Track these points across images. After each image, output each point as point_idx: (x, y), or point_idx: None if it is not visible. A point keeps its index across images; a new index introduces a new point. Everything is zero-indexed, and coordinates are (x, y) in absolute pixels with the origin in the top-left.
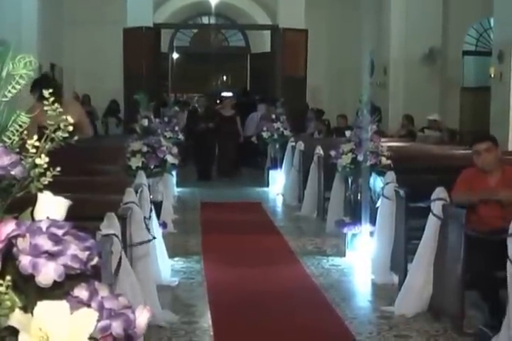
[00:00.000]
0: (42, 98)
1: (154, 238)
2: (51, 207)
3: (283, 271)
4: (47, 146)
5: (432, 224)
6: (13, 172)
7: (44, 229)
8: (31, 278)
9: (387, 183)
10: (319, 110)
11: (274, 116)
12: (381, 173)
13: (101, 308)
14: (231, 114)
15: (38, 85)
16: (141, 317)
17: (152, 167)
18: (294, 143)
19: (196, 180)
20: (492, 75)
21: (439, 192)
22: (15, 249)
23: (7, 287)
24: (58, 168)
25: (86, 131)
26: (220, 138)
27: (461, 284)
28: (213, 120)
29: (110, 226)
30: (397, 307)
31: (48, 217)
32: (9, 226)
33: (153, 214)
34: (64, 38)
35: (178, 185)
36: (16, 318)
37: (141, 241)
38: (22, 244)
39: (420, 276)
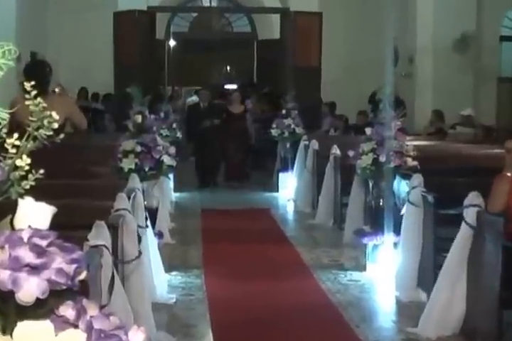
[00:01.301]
0: (38, 88)
1: (140, 253)
2: (33, 214)
3: (294, 287)
4: (29, 146)
5: (463, 234)
6: None
7: (25, 239)
8: (11, 294)
9: (413, 187)
10: (332, 103)
11: (284, 112)
12: (406, 176)
13: (90, 329)
14: (240, 111)
15: (33, 73)
16: (135, 339)
17: (147, 169)
18: (307, 142)
19: (198, 187)
20: None
21: (473, 197)
22: None
23: None
24: (41, 171)
25: (79, 125)
26: (227, 139)
27: (499, 302)
28: (219, 117)
29: (99, 236)
30: (421, 328)
31: (29, 226)
32: None
33: (148, 223)
34: (47, 23)
35: (176, 189)
36: None
37: (128, 260)
38: (0, 256)
39: (447, 293)
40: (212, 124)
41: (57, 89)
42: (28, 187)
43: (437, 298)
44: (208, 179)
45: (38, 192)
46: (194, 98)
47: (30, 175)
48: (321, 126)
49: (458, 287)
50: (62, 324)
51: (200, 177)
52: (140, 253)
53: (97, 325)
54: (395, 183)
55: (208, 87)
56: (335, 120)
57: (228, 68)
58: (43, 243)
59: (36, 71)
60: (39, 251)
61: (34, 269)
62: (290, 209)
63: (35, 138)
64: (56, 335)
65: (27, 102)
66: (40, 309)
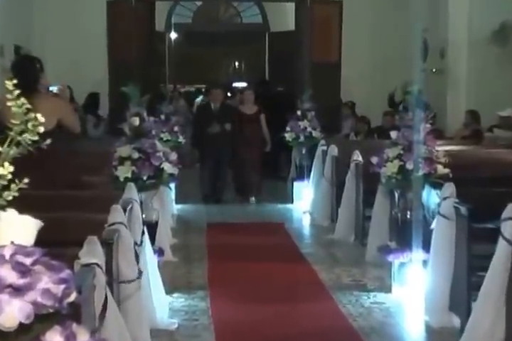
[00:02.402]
0: (28, 87)
1: (141, 273)
2: (17, 229)
3: (311, 311)
4: (11, 152)
5: (502, 251)
6: None
7: (7, 256)
8: None
9: (444, 198)
10: (353, 103)
11: (299, 113)
12: (437, 185)
13: None
14: (254, 112)
15: (22, 70)
16: None
17: (145, 178)
18: (325, 147)
19: (202, 201)
20: None
21: None
22: None
23: None
24: (26, 180)
25: (72, 129)
26: (239, 146)
27: None
28: (231, 120)
29: (92, 253)
30: None
31: (12, 242)
32: None
33: (147, 239)
34: (33, 12)
35: (178, 201)
36: None
37: (128, 280)
38: None
39: (488, 317)
40: (223, 129)
41: (55, 90)
42: (10, 198)
43: (478, 325)
44: (217, 195)
45: (22, 204)
46: (203, 97)
47: (13, 185)
48: (341, 130)
49: (500, 313)
50: None
51: (206, 193)
52: (141, 272)
53: None
54: (424, 193)
55: (214, 85)
56: (358, 122)
57: (237, 64)
58: (28, 261)
59: (26, 67)
60: (23, 270)
61: (17, 290)
62: (306, 223)
63: (18, 144)
64: None
65: (9, 103)
66: (24, 335)
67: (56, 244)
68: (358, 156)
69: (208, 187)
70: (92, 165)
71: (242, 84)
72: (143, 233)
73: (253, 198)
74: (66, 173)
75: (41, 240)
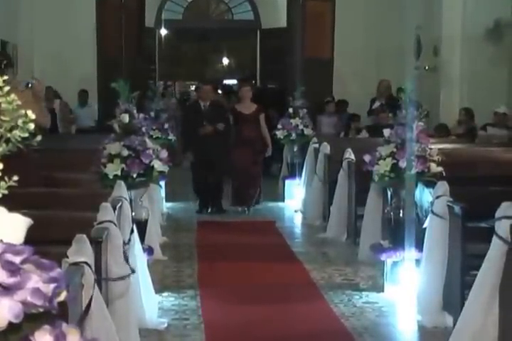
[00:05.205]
0: None
1: (133, 272)
2: (6, 227)
3: (303, 311)
4: (1, 149)
5: (496, 250)
6: None
7: None
8: None
9: (437, 197)
10: (343, 101)
11: (291, 110)
12: (430, 184)
13: None
14: (252, 111)
15: None
16: None
17: (135, 176)
18: (317, 145)
19: (196, 211)
20: None
21: (506, 208)
22: None
23: None
24: (15, 177)
25: (39, 120)
26: (236, 150)
27: None
28: (225, 120)
29: (80, 252)
30: None
31: (1, 240)
32: None
33: (136, 237)
34: (20, 7)
35: (168, 199)
36: None
37: (118, 277)
38: None
39: (479, 319)
40: (217, 130)
41: (30, 84)
42: (0, 195)
43: (467, 325)
44: (212, 207)
45: (12, 202)
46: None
47: (2, 183)
48: (320, 126)
49: (491, 312)
50: None
51: (200, 200)
52: (133, 271)
53: None
54: (417, 192)
55: (203, 81)
56: (339, 121)
57: (228, 61)
58: (17, 259)
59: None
60: (12, 269)
61: (6, 289)
62: (298, 222)
63: (8, 141)
64: None
65: None
66: (14, 335)
67: (43, 242)
68: (350, 154)
69: (202, 197)
70: (80, 163)
71: (233, 81)
72: (132, 231)
73: (250, 209)
74: (55, 171)
75: (28, 238)
